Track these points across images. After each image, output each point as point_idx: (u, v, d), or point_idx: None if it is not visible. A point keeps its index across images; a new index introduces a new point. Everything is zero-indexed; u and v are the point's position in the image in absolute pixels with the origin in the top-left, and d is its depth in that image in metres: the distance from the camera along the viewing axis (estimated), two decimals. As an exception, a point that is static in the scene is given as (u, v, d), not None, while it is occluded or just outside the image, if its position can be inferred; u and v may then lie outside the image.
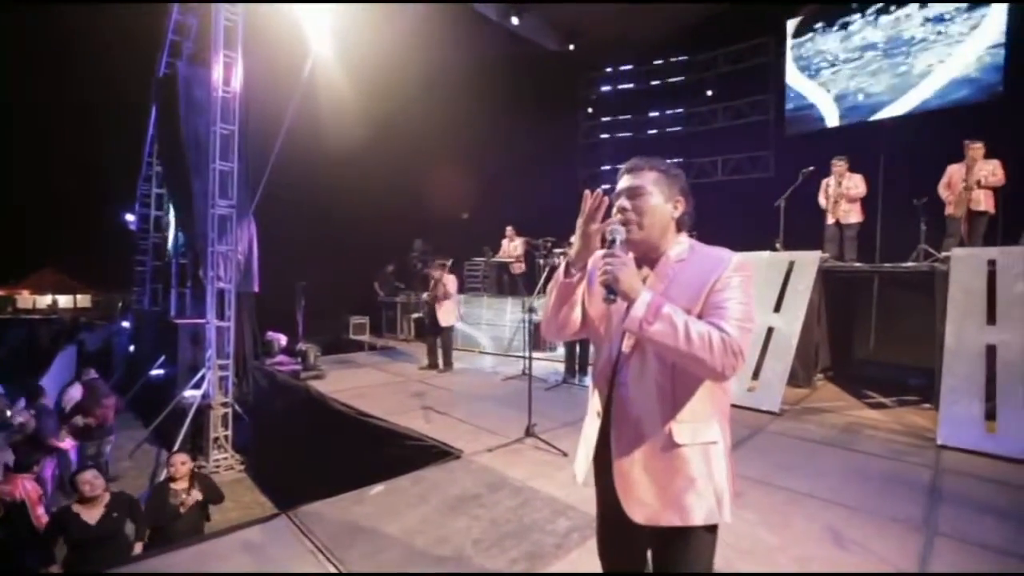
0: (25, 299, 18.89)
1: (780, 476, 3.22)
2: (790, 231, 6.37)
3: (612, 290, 1.11)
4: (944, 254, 4.91)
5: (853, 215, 6.27)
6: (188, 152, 7.17)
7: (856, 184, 6.23)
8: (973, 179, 5.38)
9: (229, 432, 6.89)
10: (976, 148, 5.43)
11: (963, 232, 5.32)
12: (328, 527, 2.49)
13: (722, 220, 8.49)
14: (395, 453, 3.80)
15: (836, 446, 3.87)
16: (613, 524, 1.35)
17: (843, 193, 6.22)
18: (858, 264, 6.04)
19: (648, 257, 1.28)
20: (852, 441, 3.99)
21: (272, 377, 6.64)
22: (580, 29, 10.95)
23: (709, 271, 1.19)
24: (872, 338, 7.15)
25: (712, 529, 1.24)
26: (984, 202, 5.36)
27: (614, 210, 1.27)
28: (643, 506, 1.22)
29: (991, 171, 5.33)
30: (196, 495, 4.13)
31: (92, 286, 19.14)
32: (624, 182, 1.29)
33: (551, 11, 10.27)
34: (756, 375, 5.13)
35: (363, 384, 5.88)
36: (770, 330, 5.28)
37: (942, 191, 5.71)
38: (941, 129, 6.02)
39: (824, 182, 6.41)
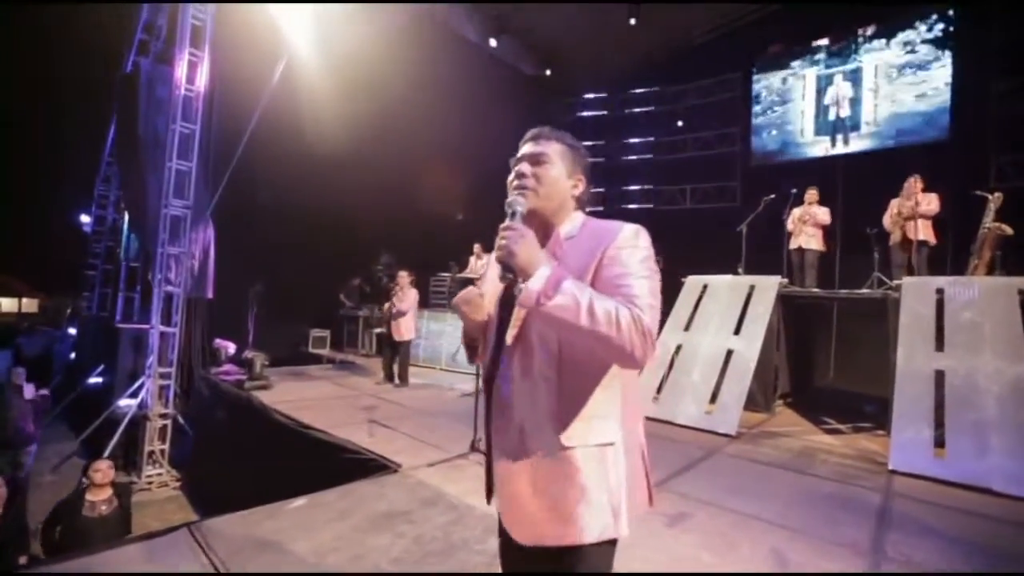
0: (-38, 301, 17.83)
1: (729, 498, 3.10)
2: (753, 259, 6.45)
3: (509, 267, 0.99)
4: (896, 282, 5.00)
5: (815, 242, 6.39)
6: (145, 150, 6.90)
7: (823, 212, 6.39)
8: (906, 209, 5.61)
9: (166, 446, 6.43)
10: (913, 182, 5.68)
11: (913, 262, 5.44)
12: (231, 542, 2.24)
13: (689, 247, 8.71)
14: (331, 466, 3.55)
15: (789, 469, 3.80)
16: (508, 541, 1.20)
17: (812, 214, 6.36)
18: (815, 290, 6.12)
19: (540, 233, 1.16)
20: (805, 465, 3.92)
21: (216, 387, 6.28)
22: (556, 55, 11.18)
23: (597, 244, 1.08)
24: (831, 365, 7.24)
25: (611, 542, 1.09)
26: (923, 232, 5.52)
27: (511, 176, 1.18)
28: (529, 524, 1.08)
29: (927, 202, 5.52)
30: (114, 504, 3.80)
31: (41, 290, 18.18)
32: (527, 148, 1.21)
33: (528, 36, 10.48)
34: (714, 398, 5.08)
35: (311, 396, 5.59)
36: (729, 353, 5.27)
37: (886, 223, 5.90)
38: (894, 166, 6.30)
39: (791, 212, 6.54)
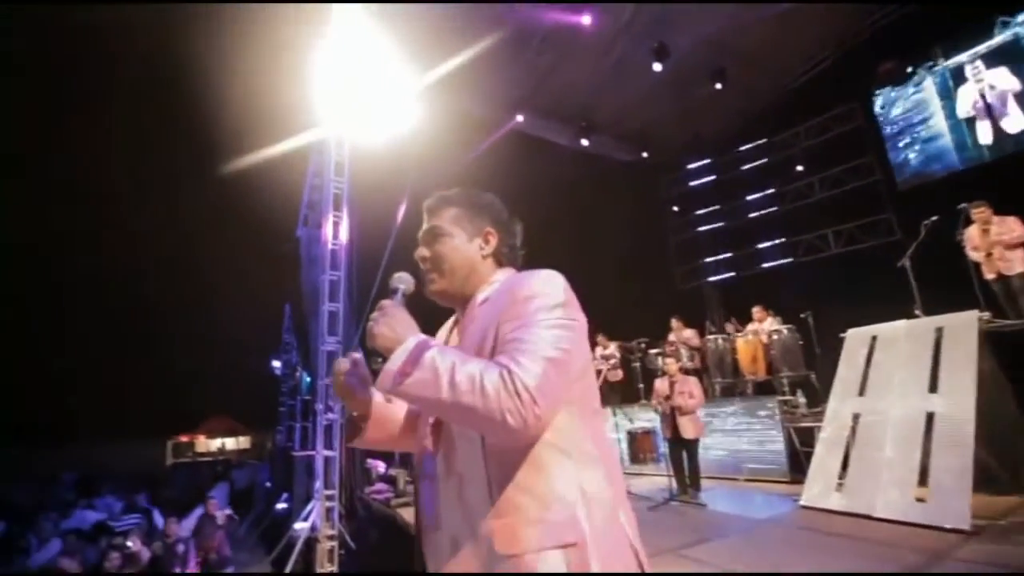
0: (201, 443, 22.17)
1: (968, 624, 2.22)
2: (930, 295, 5.28)
3: (376, 352, 0.90)
4: None
5: (1018, 263, 5.09)
6: (307, 300, 8.31)
7: (1011, 228, 5.15)
8: None
9: (335, 567, 6.79)
10: None
11: None
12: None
13: (845, 296, 7.48)
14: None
15: (1069, 579, 2.65)
16: None
17: (996, 242, 5.16)
18: (1039, 319, 4.70)
19: (462, 310, 1.08)
20: (1098, 571, 2.71)
21: (368, 506, 6.64)
22: (649, 136, 11.36)
23: (502, 301, 0.93)
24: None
25: None
26: None
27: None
28: None
29: None
30: None
31: (252, 428, 21.92)
32: (423, 227, 1.14)
33: (617, 127, 10.90)
34: (923, 479, 3.92)
35: (450, 510, 5.57)
36: (929, 417, 4.15)
37: None
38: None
39: (965, 234, 5.40)
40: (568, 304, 0.92)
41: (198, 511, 8.70)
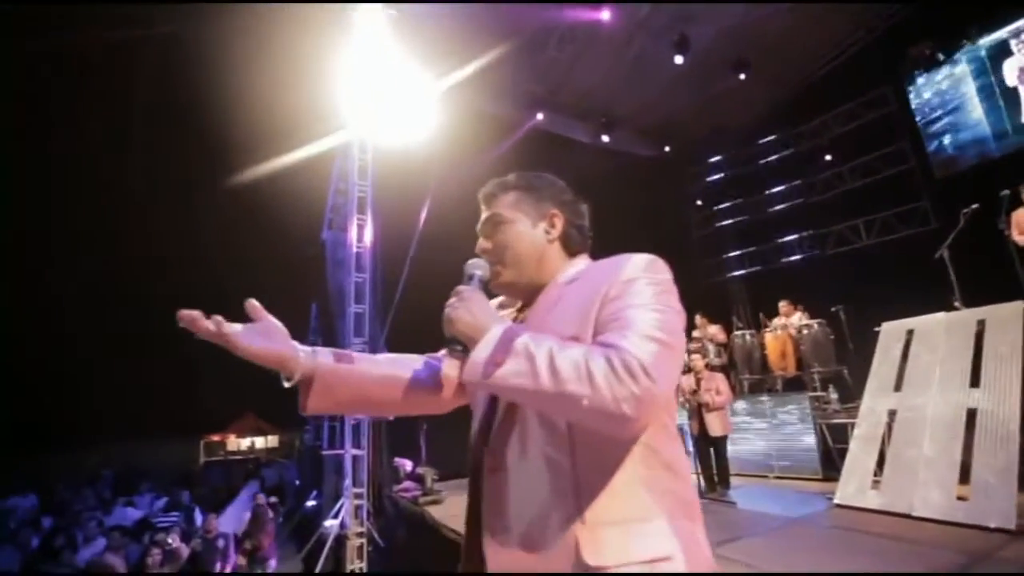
0: (232, 442, 22.77)
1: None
2: (970, 287, 5.08)
3: (456, 340, 0.84)
4: None
5: None
6: (333, 301, 8.47)
7: None
8: None
9: (364, 564, 6.92)
10: None
11: None
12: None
13: (879, 289, 7.25)
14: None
15: None
16: None
17: None
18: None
19: (534, 297, 0.98)
20: None
21: (397, 504, 6.74)
22: (671, 130, 11.21)
23: (602, 280, 0.84)
24: None
25: None
26: None
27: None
28: None
29: None
30: None
31: (279, 427, 22.43)
32: (481, 218, 1.04)
33: (637, 122, 10.78)
34: (965, 477, 3.80)
35: (477, 507, 5.62)
36: (971, 413, 4.02)
37: None
38: None
39: (1012, 218, 5.22)
40: (673, 293, 0.84)
41: (235, 505, 8.98)
